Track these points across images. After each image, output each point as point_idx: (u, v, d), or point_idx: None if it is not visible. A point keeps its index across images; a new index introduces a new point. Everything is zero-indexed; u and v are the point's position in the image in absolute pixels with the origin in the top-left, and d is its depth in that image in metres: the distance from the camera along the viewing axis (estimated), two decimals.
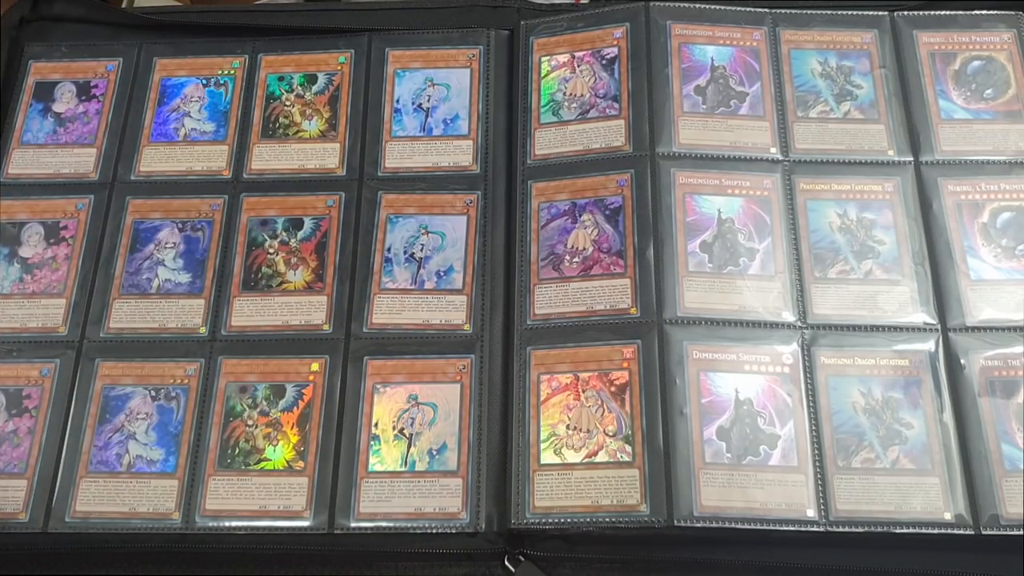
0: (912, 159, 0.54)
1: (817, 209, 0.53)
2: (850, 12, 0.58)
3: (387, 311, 0.53)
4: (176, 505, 0.48)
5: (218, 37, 0.61)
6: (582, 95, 0.57)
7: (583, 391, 0.49)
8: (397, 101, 0.59)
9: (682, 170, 0.54)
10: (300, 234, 0.55)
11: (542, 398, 0.49)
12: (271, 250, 0.55)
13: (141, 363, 0.52)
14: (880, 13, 0.58)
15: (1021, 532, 0.45)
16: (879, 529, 0.45)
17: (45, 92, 0.60)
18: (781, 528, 0.46)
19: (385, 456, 0.49)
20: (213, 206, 0.56)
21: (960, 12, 0.58)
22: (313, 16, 0.62)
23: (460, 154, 0.57)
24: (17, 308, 0.54)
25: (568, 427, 0.48)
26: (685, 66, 0.57)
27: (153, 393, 0.51)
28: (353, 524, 0.48)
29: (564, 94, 0.57)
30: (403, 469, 0.49)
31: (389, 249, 0.54)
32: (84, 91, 0.60)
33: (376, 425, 0.50)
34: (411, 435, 0.50)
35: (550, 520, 0.46)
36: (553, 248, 0.53)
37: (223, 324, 0.53)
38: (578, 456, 0.48)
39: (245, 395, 0.51)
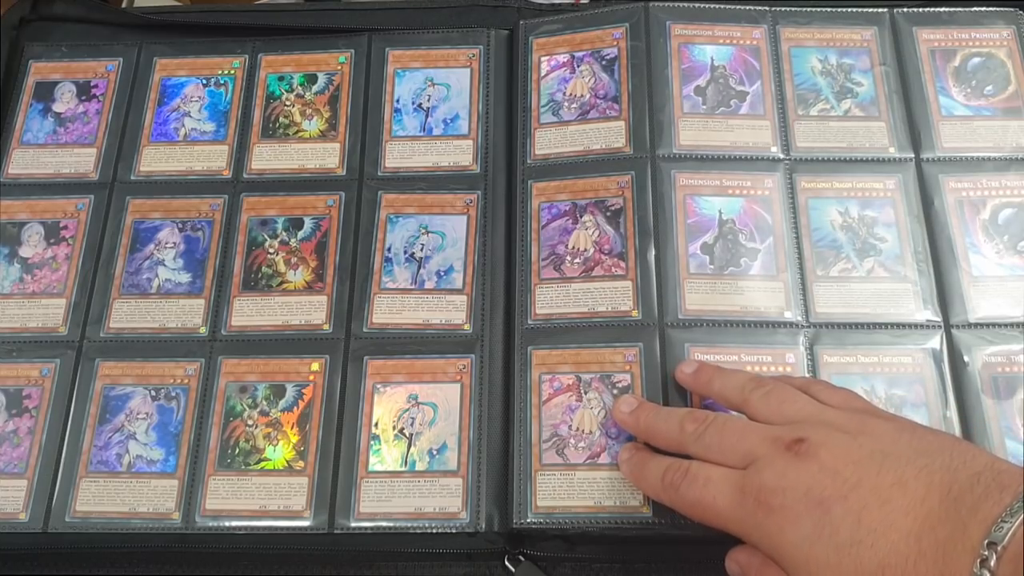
0: (913, 156, 0.54)
1: (819, 207, 0.53)
2: (850, 9, 0.58)
3: (387, 311, 0.53)
4: (176, 505, 0.48)
5: (218, 37, 0.61)
6: (582, 95, 0.57)
7: (585, 392, 0.49)
8: (397, 101, 0.59)
9: (683, 172, 0.54)
10: (300, 234, 0.55)
11: (544, 398, 0.49)
12: (271, 250, 0.55)
13: (141, 363, 0.52)
14: (880, 10, 0.58)
15: None
16: None
17: (45, 92, 0.60)
18: None
19: (385, 456, 0.49)
20: (213, 206, 0.56)
21: (960, 9, 0.58)
22: (313, 16, 0.62)
23: (460, 154, 0.57)
24: (17, 308, 0.54)
25: (570, 427, 0.48)
26: (685, 67, 0.57)
27: (153, 393, 0.51)
28: (353, 524, 0.47)
29: (564, 94, 0.57)
30: (403, 469, 0.49)
31: (389, 249, 0.54)
32: (84, 91, 0.60)
33: (376, 425, 0.50)
34: (411, 435, 0.49)
35: (552, 520, 0.46)
36: (554, 248, 0.53)
37: (223, 324, 0.53)
38: (580, 457, 0.47)
39: (245, 395, 0.51)
